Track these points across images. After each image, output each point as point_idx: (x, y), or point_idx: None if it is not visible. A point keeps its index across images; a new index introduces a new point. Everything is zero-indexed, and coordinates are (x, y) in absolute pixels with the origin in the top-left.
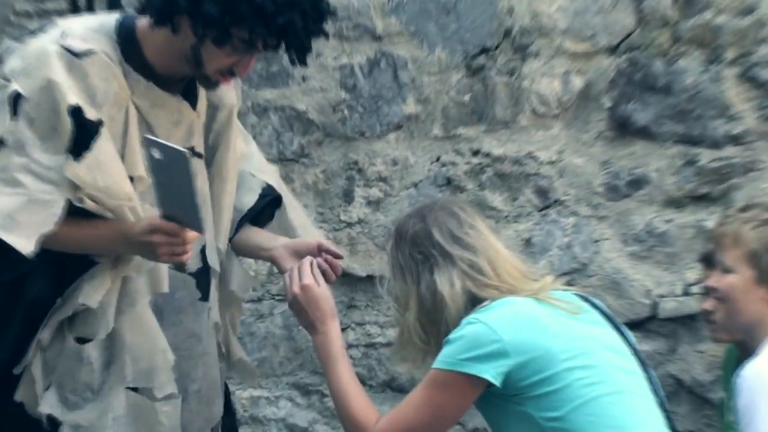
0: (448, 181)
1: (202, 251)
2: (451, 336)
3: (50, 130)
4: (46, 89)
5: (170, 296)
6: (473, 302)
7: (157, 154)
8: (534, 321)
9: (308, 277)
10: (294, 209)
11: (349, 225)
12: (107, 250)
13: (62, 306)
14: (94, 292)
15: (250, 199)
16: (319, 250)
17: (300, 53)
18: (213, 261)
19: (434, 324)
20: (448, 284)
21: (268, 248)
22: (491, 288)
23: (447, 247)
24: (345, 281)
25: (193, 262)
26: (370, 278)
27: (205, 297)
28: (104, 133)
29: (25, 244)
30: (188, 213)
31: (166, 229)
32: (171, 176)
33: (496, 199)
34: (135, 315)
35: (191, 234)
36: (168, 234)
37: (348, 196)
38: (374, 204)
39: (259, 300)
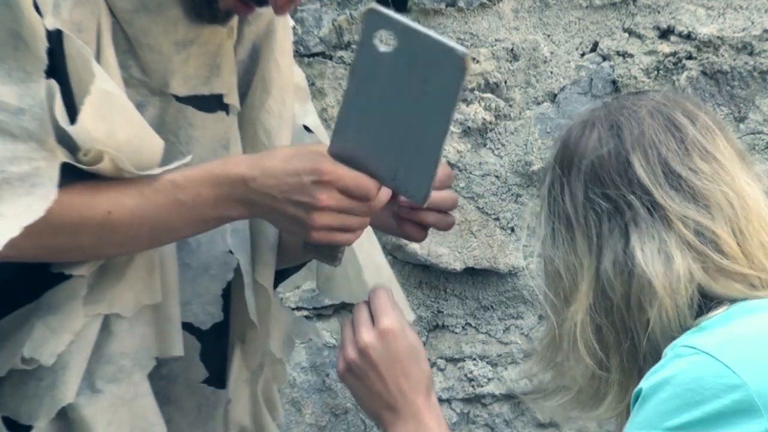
0: (615, 86)
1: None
2: (647, 385)
3: (9, 38)
4: None
5: (153, 370)
6: (699, 302)
7: (381, 44)
8: None
9: (388, 314)
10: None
11: None
12: (170, 233)
13: None
14: (52, 338)
15: None
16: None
17: None
18: (249, 301)
19: (623, 333)
20: (662, 258)
21: None
22: (732, 277)
23: (657, 192)
24: (424, 279)
25: (202, 310)
26: (470, 273)
27: (218, 379)
28: (81, 48)
29: None
30: (406, 162)
31: (349, 182)
32: (398, 88)
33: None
34: (120, 398)
35: (384, 194)
36: (348, 193)
37: None
38: (476, 134)
39: None
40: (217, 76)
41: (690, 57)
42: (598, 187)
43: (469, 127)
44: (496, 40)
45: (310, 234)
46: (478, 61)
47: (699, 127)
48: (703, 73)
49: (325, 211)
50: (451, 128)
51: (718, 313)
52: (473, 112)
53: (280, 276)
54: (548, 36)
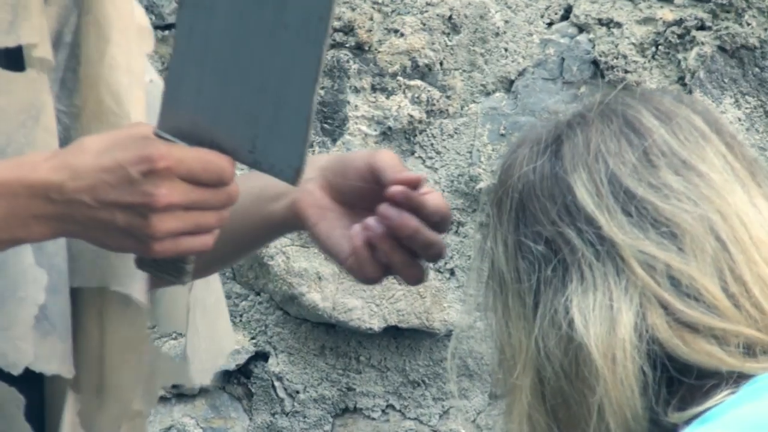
0: (596, 69)
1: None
2: None
3: None
4: None
5: None
6: (667, 376)
7: None
8: None
9: None
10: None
11: None
12: None
13: None
14: None
15: None
16: (373, 174)
17: None
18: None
19: (568, 427)
20: (605, 314)
21: (275, 195)
22: (713, 336)
23: (603, 220)
24: (328, 343)
25: (11, 347)
26: (393, 334)
27: None
28: None
29: None
30: (266, 125)
31: (193, 165)
32: (245, 25)
33: None
34: None
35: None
36: (195, 180)
37: (334, 122)
38: (400, 138)
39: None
40: (25, 20)
41: (702, 27)
42: (530, 225)
43: (389, 128)
44: (427, 3)
45: (152, 247)
46: (402, 34)
47: (674, 129)
48: (721, 49)
49: (169, 211)
50: (322, 76)
51: (725, 395)
52: (395, 106)
53: None
54: None
